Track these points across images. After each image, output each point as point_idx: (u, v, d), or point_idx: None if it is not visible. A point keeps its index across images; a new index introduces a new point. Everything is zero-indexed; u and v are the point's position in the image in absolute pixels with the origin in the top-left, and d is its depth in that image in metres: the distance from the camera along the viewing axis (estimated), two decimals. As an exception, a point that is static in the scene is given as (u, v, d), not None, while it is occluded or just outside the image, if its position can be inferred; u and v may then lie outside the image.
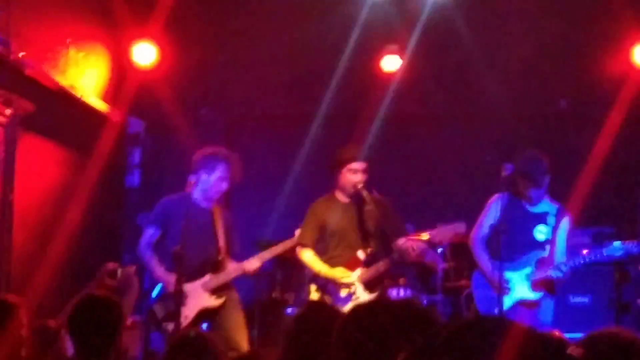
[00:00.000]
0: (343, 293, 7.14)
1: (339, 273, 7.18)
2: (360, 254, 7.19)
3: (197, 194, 7.35)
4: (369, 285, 7.15)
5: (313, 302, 6.92)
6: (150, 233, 7.35)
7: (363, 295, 7.14)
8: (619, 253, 6.89)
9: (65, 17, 8.29)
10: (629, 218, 8.49)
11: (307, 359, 2.64)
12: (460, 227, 7.14)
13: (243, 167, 7.47)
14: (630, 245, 6.85)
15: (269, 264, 7.90)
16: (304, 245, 7.32)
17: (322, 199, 7.45)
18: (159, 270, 7.21)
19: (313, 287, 7.25)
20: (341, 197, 7.34)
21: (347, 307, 7.02)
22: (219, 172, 7.27)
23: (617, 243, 6.88)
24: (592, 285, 8.39)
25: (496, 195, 7.20)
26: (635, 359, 2.64)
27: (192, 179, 7.29)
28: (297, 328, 2.77)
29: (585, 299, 8.46)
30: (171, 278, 6.95)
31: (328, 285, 7.21)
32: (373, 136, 8.93)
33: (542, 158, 7.14)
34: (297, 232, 7.35)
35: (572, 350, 1.99)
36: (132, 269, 7.15)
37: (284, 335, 2.82)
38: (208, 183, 7.30)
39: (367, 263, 7.17)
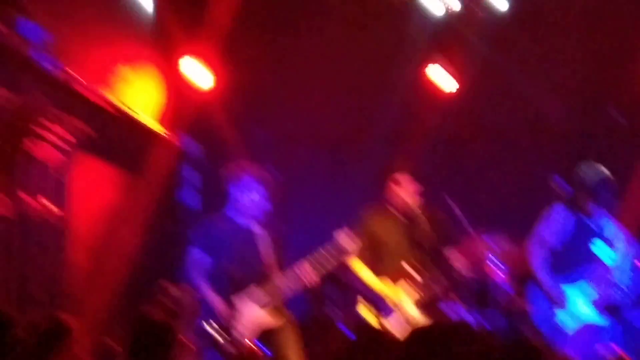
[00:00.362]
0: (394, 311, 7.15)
1: (389, 292, 7.19)
2: (407, 267, 7.17)
3: (236, 214, 7.28)
4: (419, 304, 7.16)
5: (366, 327, 6.92)
6: (195, 254, 7.25)
7: (410, 309, 7.13)
8: None
9: (115, 37, 8.36)
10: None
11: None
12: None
13: (285, 185, 7.46)
14: None
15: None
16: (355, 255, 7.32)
17: (375, 213, 7.46)
18: (209, 294, 7.18)
19: (361, 300, 7.26)
20: (394, 213, 7.34)
21: (391, 320, 7.07)
22: (258, 192, 7.21)
23: None
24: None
25: (556, 206, 7.14)
26: None
27: (234, 195, 7.26)
28: (350, 354, 2.81)
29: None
30: (221, 304, 6.98)
31: (377, 301, 7.22)
32: (427, 153, 8.94)
33: (606, 173, 7.09)
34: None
35: None
36: (189, 288, 7.18)
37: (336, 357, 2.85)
38: (248, 203, 7.24)
39: (415, 279, 7.16)
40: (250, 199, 7.23)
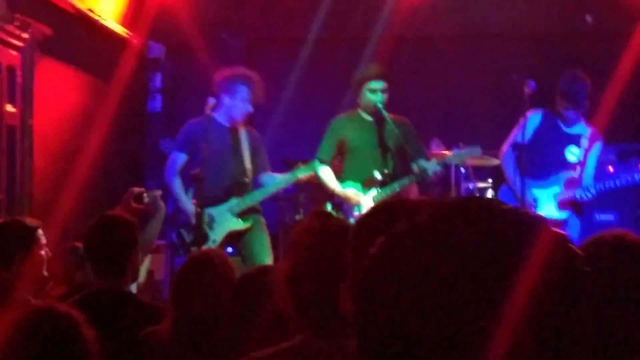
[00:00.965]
0: (356, 212, 7.12)
1: (352, 193, 7.17)
2: (377, 174, 7.14)
3: (219, 117, 7.22)
4: None
5: (318, 212, 6.91)
6: (175, 158, 7.29)
7: None
8: None
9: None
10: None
11: (316, 267, 2.61)
12: (476, 151, 7.12)
13: (265, 87, 7.36)
14: None
15: (292, 187, 7.86)
16: (321, 161, 7.26)
17: (343, 115, 7.39)
18: (183, 198, 7.18)
19: (329, 206, 7.23)
20: (363, 115, 7.28)
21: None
22: (241, 94, 7.15)
23: None
24: (617, 202, 8.31)
25: (531, 111, 7.11)
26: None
27: (211, 101, 7.15)
28: (303, 238, 2.73)
29: (610, 216, 8.40)
30: (193, 207, 6.94)
31: (343, 204, 7.21)
32: (393, 57, 8.83)
33: (586, 80, 7.04)
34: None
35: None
36: (158, 192, 7.14)
37: (292, 245, 2.78)
38: (231, 105, 7.18)
39: (382, 183, 7.13)
40: (237, 102, 7.16)
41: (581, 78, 7.03)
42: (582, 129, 7.16)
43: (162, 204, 6.83)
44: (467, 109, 9.41)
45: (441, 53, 9.57)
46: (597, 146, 7.16)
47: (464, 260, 1.38)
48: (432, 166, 7.00)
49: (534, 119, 7.12)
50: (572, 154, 7.11)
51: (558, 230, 1.52)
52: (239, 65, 7.88)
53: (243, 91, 7.16)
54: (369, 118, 7.24)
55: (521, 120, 7.07)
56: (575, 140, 7.13)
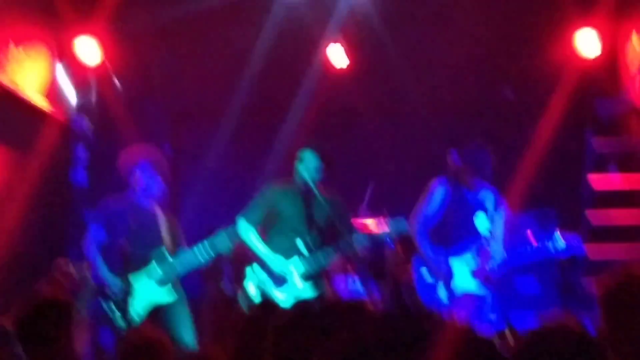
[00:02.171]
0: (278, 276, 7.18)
1: (277, 262, 7.21)
2: (300, 244, 7.21)
3: (138, 193, 7.38)
4: (306, 276, 7.18)
5: (265, 302, 6.93)
6: (94, 230, 7.33)
7: (300, 284, 7.16)
8: (561, 251, 7.01)
9: (5, 18, 8.19)
10: (569, 203, 8.63)
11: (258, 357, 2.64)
12: (402, 226, 7.22)
13: (167, 161, 7.55)
14: (572, 243, 6.97)
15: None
16: (247, 221, 7.32)
17: (277, 185, 7.48)
18: (103, 269, 7.18)
19: (249, 272, 7.26)
20: (295, 187, 7.36)
21: (281, 294, 7.10)
22: (144, 176, 7.34)
23: (560, 242, 6.98)
24: (538, 268, 8.44)
25: (436, 181, 7.26)
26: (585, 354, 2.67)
27: (130, 180, 7.34)
28: (247, 329, 2.76)
29: (531, 281, 8.50)
30: (115, 279, 7.07)
31: (264, 267, 7.26)
32: (320, 128, 8.95)
33: (487, 148, 7.21)
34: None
35: None
36: (83, 265, 7.13)
37: (234, 335, 2.80)
38: (144, 183, 7.34)
39: (305, 253, 7.18)
40: (147, 180, 7.34)
41: (483, 147, 7.22)
42: (487, 194, 7.30)
43: (89, 276, 6.82)
44: (391, 180, 9.50)
45: (365, 122, 9.70)
46: (502, 212, 7.30)
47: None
48: (359, 240, 7.07)
49: (439, 188, 7.26)
50: (481, 221, 7.23)
51: (462, 325, 1.59)
52: (164, 139, 7.98)
53: (154, 171, 7.35)
54: (299, 190, 7.32)
55: (428, 190, 7.21)
56: (481, 206, 7.26)
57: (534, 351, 2.67)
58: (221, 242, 7.18)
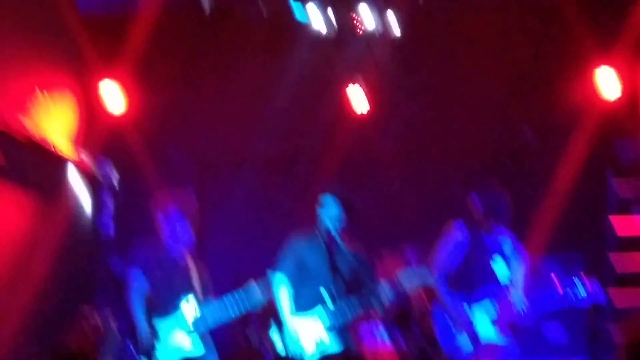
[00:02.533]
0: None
1: (300, 324, 7.19)
2: (324, 293, 7.18)
3: (167, 239, 7.44)
4: (332, 329, 7.14)
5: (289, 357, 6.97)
6: (136, 279, 7.39)
7: (326, 337, 7.17)
8: (581, 296, 6.98)
9: (32, 64, 8.27)
10: (593, 247, 8.59)
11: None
12: (426, 277, 7.13)
13: (193, 201, 7.59)
14: (593, 291, 6.94)
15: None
16: (281, 275, 7.28)
17: (302, 235, 7.45)
18: (142, 320, 7.23)
19: (274, 326, 7.27)
20: (318, 236, 7.35)
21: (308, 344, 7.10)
22: (172, 213, 7.40)
23: (581, 289, 6.96)
24: (565, 314, 8.40)
25: (453, 225, 7.26)
26: None
27: (160, 226, 7.42)
28: None
29: (558, 328, 8.45)
30: (147, 331, 7.14)
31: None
32: (347, 175, 8.98)
33: (502, 191, 7.23)
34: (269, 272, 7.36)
35: None
36: (108, 312, 7.17)
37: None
38: (169, 229, 7.41)
39: (330, 304, 7.19)
40: (172, 227, 7.41)
41: (501, 191, 7.22)
42: (504, 239, 7.31)
43: (112, 323, 6.86)
44: (415, 226, 9.47)
45: (386, 167, 9.72)
46: (521, 261, 7.27)
47: None
48: (385, 294, 7.03)
49: (456, 232, 7.28)
50: (498, 265, 7.23)
51: None
52: (190, 187, 8.03)
53: (169, 219, 7.41)
54: (323, 240, 7.31)
55: (446, 235, 7.21)
56: (499, 249, 7.27)
57: None
58: (253, 295, 7.21)
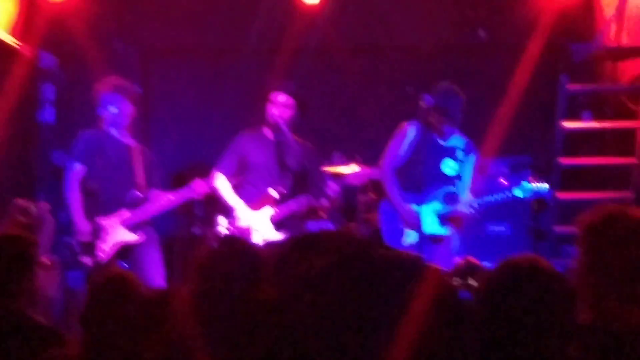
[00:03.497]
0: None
1: (245, 211, 7.16)
2: (272, 192, 7.15)
3: (112, 129, 7.26)
4: (278, 225, 7.12)
5: (228, 237, 6.93)
6: (75, 170, 7.24)
7: (271, 234, 7.13)
8: (527, 195, 6.98)
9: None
10: (544, 147, 8.60)
11: (218, 295, 2.59)
12: (373, 173, 7.15)
13: (136, 87, 7.50)
14: (536, 187, 6.94)
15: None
16: (220, 172, 7.26)
17: (247, 132, 7.41)
18: (78, 214, 7.09)
19: (223, 220, 7.22)
20: (266, 132, 7.29)
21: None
22: (117, 104, 7.24)
23: (525, 184, 6.95)
24: (509, 214, 8.44)
25: (406, 125, 7.21)
26: (548, 286, 2.64)
27: (101, 113, 7.24)
28: (209, 264, 2.71)
29: (502, 227, 8.53)
30: (85, 226, 7.01)
31: (235, 219, 7.21)
32: (293, 69, 8.83)
33: (459, 93, 7.15)
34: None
35: None
36: (45, 205, 7.03)
37: (196, 271, 2.75)
38: (113, 116, 7.24)
39: (277, 202, 7.14)
40: (117, 112, 7.22)
41: (455, 92, 7.15)
42: (458, 141, 7.29)
43: (49, 216, 6.74)
44: (365, 121, 9.44)
45: (338, 64, 9.59)
46: (472, 158, 7.30)
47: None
48: (332, 186, 7.08)
49: (409, 132, 7.21)
50: (449, 166, 7.21)
51: (433, 267, 1.59)
52: (133, 77, 7.86)
53: (118, 100, 7.23)
54: (271, 135, 7.25)
55: (398, 133, 7.17)
56: (450, 153, 7.25)
57: (500, 286, 2.64)
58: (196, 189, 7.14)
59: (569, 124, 8.37)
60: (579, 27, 8.84)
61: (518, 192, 6.95)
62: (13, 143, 8.63)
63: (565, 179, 8.31)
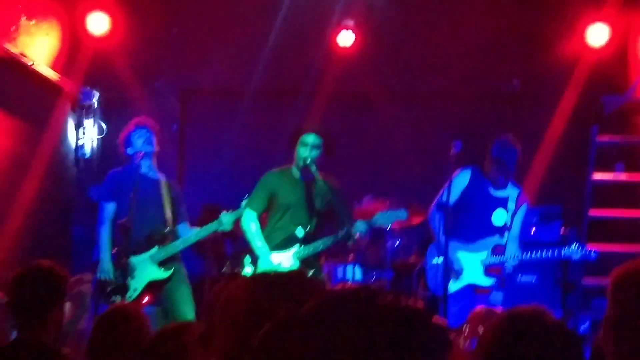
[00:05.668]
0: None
1: (272, 258, 7.16)
2: (299, 232, 7.15)
3: (143, 166, 7.41)
4: (306, 263, 7.13)
5: (230, 275, 7.01)
6: (106, 208, 7.41)
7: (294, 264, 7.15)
8: (575, 257, 6.98)
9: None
10: (575, 198, 8.58)
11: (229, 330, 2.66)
12: (402, 215, 7.09)
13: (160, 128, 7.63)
14: (587, 252, 6.94)
15: (217, 238, 7.90)
16: (251, 210, 7.26)
17: (276, 170, 7.39)
18: (104, 253, 7.25)
19: (247, 260, 7.25)
20: (294, 171, 7.30)
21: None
22: (140, 138, 7.39)
23: (574, 247, 6.95)
24: (538, 265, 8.42)
25: (458, 171, 7.19)
26: (551, 339, 2.64)
27: (131, 151, 7.40)
28: (215, 301, 2.80)
29: (531, 278, 8.49)
30: (109, 266, 7.20)
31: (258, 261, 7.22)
32: (329, 112, 8.92)
33: (517, 146, 7.16)
34: (244, 202, 7.33)
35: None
36: (87, 277, 7.26)
37: (207, 307, 2.84)
38: (138, 152, 7.36)
39: (305, 240, 7.14)
40: (140, 147, 7.36)
41: (513, 145, 7.16)
42: (511, 191, 7.28)
43: (88, 300, 6.95)
44: (399, 165, 9.44)
45: (374, 109, 9.66)
46: (523, 208, 7.29)
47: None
48: (358, 228, 6.96)
49: (461, 178, 7.22)
50: (499, 217, 7.20)
51: (438, 320, 1.61)
52: (172, 114, 7.99)
53: (140, 135, 7.38)
54: (298, 175, 7.26)
55: (451, 178, 7.18)
56: (502, 203, 7.24)
57: (500, 337, 2.65)
58: (225, 219, 7.21)
59: (598, 176, 8.38)
60: (614, 79, 8.86)
61: (568, 253, 6.95)
62: (54, 179, 8.78)
63: (595, 230, 8.31)
